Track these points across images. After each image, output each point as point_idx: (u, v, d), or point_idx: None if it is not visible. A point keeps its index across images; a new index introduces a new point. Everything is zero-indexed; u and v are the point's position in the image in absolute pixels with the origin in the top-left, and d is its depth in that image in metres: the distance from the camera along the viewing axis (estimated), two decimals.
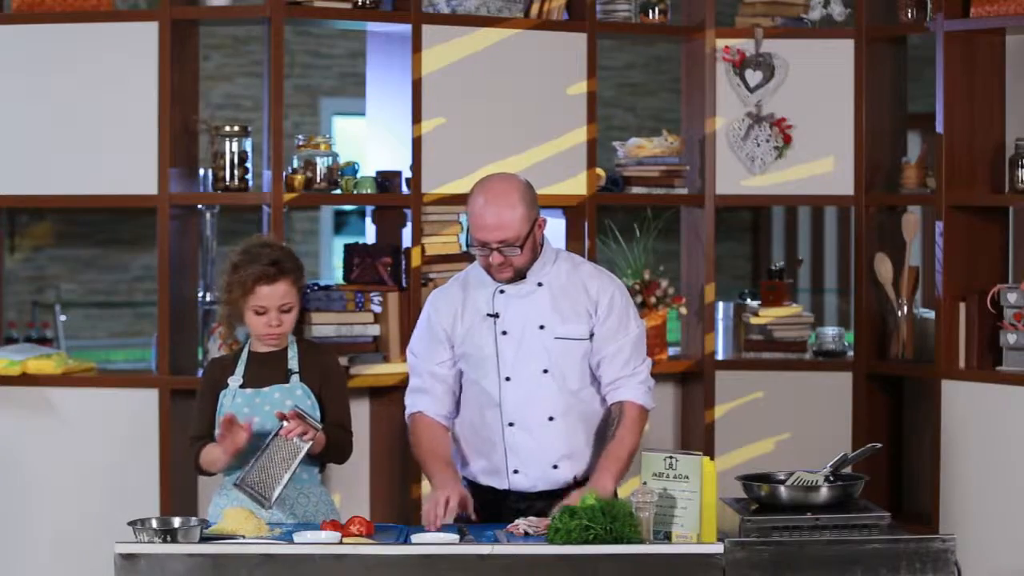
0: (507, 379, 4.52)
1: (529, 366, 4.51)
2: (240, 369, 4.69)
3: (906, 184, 6.18)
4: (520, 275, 4.51)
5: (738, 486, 4.32)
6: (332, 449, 4.65)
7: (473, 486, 4.63)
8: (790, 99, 6.29)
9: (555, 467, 4.54)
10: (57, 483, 5.74)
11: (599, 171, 6.20)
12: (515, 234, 4.42)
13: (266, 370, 4.69)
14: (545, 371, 4.51)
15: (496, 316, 4.53)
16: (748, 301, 6.58)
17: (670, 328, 6.54)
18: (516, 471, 4.54)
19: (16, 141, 5.79)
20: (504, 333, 4.52)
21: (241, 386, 4.67)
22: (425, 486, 5.90)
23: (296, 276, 4.68)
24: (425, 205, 5.93)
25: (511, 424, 4.52)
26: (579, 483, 4.50)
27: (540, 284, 4.54)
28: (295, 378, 4.68)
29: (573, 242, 6.10)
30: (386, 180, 5.98)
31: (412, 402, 4.65)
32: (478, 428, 4.59)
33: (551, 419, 4.52)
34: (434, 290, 4.74)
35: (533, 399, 4.52)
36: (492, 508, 4.56)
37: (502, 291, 4.54)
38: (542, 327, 4.51)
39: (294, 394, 4.64)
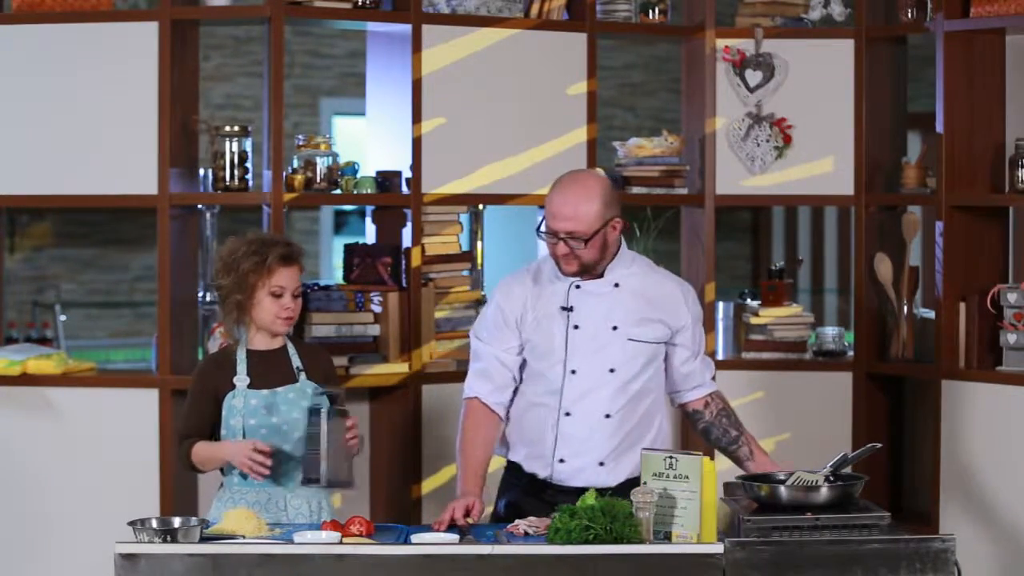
0: (572, 372, 4.55)
1: (597, 363, 4.55)
2: (242, 368, 4.67)
3: (906, 184, 6.18)
4: (587, 270, 4.54)
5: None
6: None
7: (516, 470, 4.64)
8: (790, 99, 6.30)
9: (601, 464, 4.56)
10: (57, 483, 5.74)
11: (599, 171, 6.20)
12: (584, 228, 4.46)
13: (272, 369, 4.68)
14: (612, 370, 4.54)
15: (570, 310, 4.55)
16: (748, 301, 6.58)
17: None
18: (562, 460, 4.56)
19: (16, 141, 5.79)
20: (576, 327, 4.55)
21: (250, 386, 4.64)
22: (425, 486, 5.91)
23: (302, 264, 4.76)
24: (425, 205, 5.93)
25: (568, 414, 4.55)
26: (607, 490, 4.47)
27: (617, 285, 4.57)
28: (303, 376, 4.69)
29: None
30: (386, 180, 5.98)
31: (471, 385, 4.64)
32: (533, 414, 4.60)
33: (608, 416, 4.56)
34: (504, 279, 4.74)
35: (595, 395, 4.55)
36: (530, 496, 4.57)
37: (578, 286, 4.56)
38: (615, 328, 4.54)
39: (306, 393, 4.64)
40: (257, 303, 4.66)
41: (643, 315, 4.58)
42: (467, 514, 4.38)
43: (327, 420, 4.42)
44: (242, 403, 4.61)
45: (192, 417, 4.70)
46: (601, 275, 4.58)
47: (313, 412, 4.45)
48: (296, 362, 4.70)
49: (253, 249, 4.67)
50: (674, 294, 4.64)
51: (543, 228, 4.51)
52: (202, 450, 4.63)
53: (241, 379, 4.65)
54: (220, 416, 4.66)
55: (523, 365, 4.64)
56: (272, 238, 4.77)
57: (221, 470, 4.69)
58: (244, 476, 4.61)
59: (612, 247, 4.57)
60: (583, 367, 4.55)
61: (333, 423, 4.43)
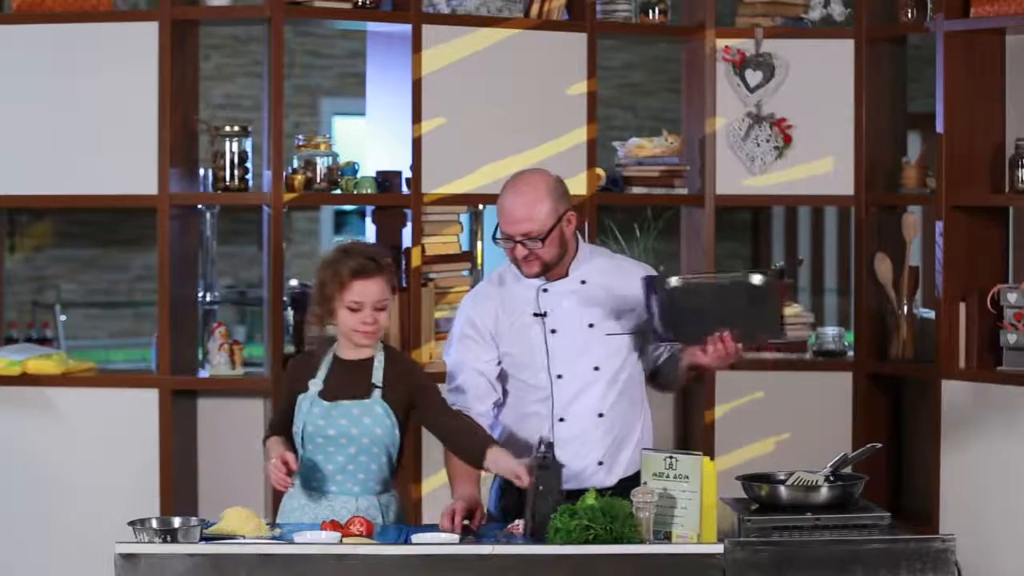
0: (559, 376, 4.53)
1: (581, 364, 4.53)
2: (322, 374, 4.55)
3: (906, 184, 6.18)
4: (548, 269, 4.51)
5: (738, 486, 4.32)
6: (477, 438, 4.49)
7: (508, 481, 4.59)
8: (790, 99, 6.30)
9: (600, 463, 4.55)
10: (57, 483, 5.74)
11: (599, 171, 6.20)
12: (538, 227, 4.43)
13: (349, 381, 4.53)
14: (597, 368, 4.53)
15: (543, 315, 4.53)
16: None
17: None
18: (562, 465, 4.54)
19: (16, 141, 5.79)
20: (553, 332, 4.53)
21: (320, 392, 4.56)
22: (425, 486, 5.91)
23: (391, 275, 4.55)
24: (425, 205, 5.93)
25: (561, 419, 4.54)
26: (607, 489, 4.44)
27: (583, 282, 4.55)
28: (377, 393, 4.51)
29: None
30: (386, 180, 5.98)
31: (451, 401, 4.58)
32: (526, 424, 4.58)
33: (600, 415, 4.55)
34: (468, 294, 4.71)
35: (585, 396, 4.54)
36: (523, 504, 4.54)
37: (545, 290, 4.54)
38: (592, 325, 4.53)
39: (373, 411, 4.49)
40: (337, 315, 4.52)
41: (615, 307, 4.56)
42: (468, 517, 4.35)
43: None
44: (307, 407, 4.54)
45: (277, 413, 4.66)
46: (566, 274, 4.56)
47: (542, 468, 4.22)
48: (377, 378, 4.54)
49: (332, 260, 4.53)
50: (638, 279, 4.58)
51: (499, 234, 4.48)
52: (268, 447, 4.58)
53: (315, 384, 4.54)
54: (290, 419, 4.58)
55: (502, 377, 4.61)
56: (354, 249, 4.56)
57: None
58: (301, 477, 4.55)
59: (571, 242, 4.54)
60: (568, 370, 4.53)
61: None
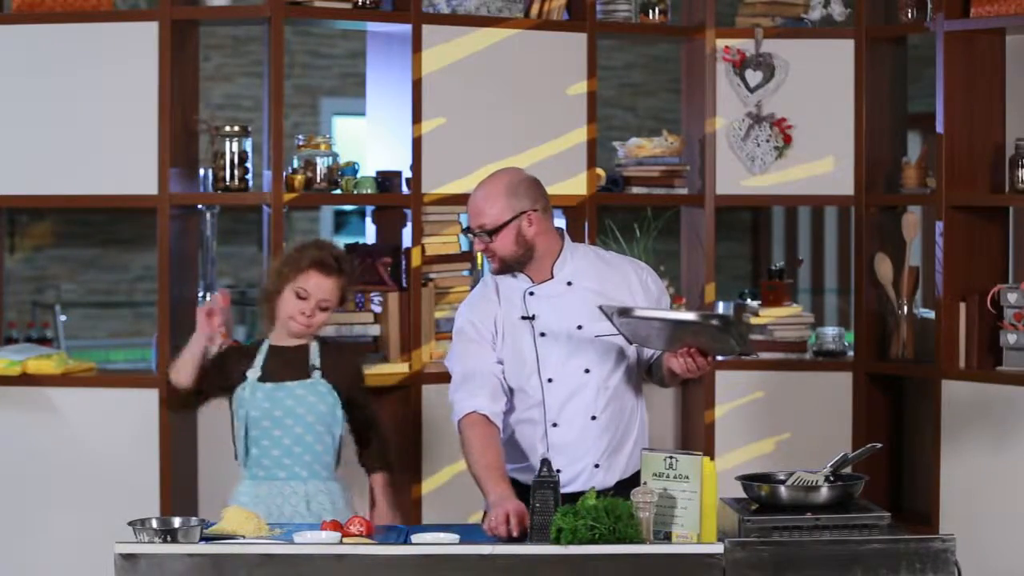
0: (549, 380, 4.51)
1: (571, 366, 4.50)
2: (259, 361, 4.72)
3: (906, 184, 6.19)
4: (510, 267, 4.51)
5: (738, 486, 4.32)
6: (375, 454, 4.83)
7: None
8: (790, 99, 6.30)
9: (596, 466, 4.53)
10: (57, 483, 5.74)
11: (599, 171, 6.20)
12: (490, 220, 4.44)
13: (287, 365, 4.74)
14: (587, 371, 4.51)
15: (532, 318, 4.52)
16: (748, 301, 6.58)
17: None
18: (558, 470, 4.51)
19: (16, 141, 5.79)
20: (543, 335, 4.51)
21: (260, 378, 4.68)
22: (426, 486, 5.91)
23: (346, 281, 4.77)
24: (425, 205, 5.93)
25: (555, 425, 4.52)
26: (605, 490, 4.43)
27: (570, 283, 4.53)
28: (317, 374, 4.72)
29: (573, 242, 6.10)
30: (386, 180, 5.99)
31: (464, 401, 4.50)
32: (520, 430, 4.56)
33: (594, 418, 4.52)
34: (464, 301, 4.70)
35: (576, 399, 4.51)
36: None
37: (532, 292, 4.53)
38: (580, 327, 4.51)
39: (316, 390, 4.67)
40: (282, 296, 4.74)
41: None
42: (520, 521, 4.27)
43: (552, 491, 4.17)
44: (248, 395, 4.66)
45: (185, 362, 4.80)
46: (551, 276, 4.55)
47: (540, 487, 4.15)
48: (314, 360, 4.74)
49: (297, 247, 4.79)
50: (627, 278, 4.57)
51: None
52: (176, 365, 4.76)
53: (253, 371, 4.72)
54: (213, 375, 4.77)
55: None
56: (319, 243, 4.85)
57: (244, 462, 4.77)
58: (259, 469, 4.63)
59: (538, 243, 4.50)
60: (559, 373, 4.50)
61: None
